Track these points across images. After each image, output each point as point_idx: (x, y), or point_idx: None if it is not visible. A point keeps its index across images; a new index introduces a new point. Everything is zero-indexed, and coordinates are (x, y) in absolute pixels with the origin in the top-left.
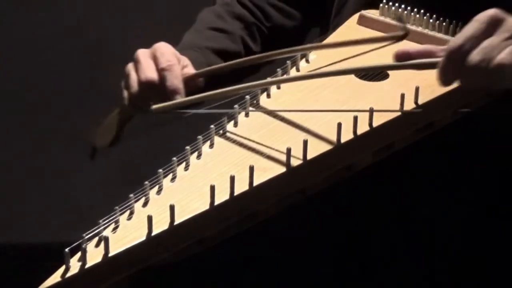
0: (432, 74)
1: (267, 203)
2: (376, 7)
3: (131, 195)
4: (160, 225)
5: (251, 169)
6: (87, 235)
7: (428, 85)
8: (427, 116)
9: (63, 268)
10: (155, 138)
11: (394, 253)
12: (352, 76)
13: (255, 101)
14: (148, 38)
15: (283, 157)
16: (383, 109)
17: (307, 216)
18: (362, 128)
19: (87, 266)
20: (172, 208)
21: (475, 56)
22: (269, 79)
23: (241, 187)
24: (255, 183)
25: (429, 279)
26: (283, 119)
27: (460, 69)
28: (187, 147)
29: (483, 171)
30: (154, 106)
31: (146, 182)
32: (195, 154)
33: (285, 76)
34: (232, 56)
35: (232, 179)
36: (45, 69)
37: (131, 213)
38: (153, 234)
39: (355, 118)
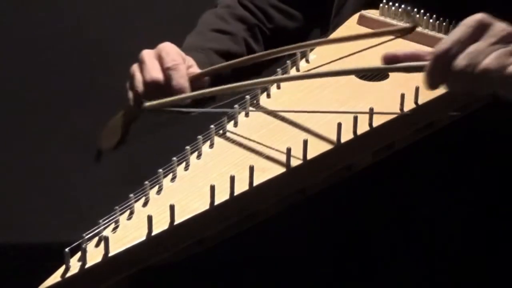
0: None
1: (267, 203)
2: (376, 7)
3: (131, 195)
4: (160, 225)
5: (251, 169)
6: (87, 235)
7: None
8: (427, 116)
9: (63, 268)
10: (155, 138)
11: (394, 253)
12: (352, 76)
13: (255, 101)
14: (148, 38)
15: (283, 157)
16: (381, 111)
17: (307, 216)
18: (362, 128)
19: (87, 266)
20: (172, 208)
21: (461, 60)
22: (267, 78)
23: (241, 187)
24: (255, 183)
25: (429, 279)
26: (283, 119)
27: (446, 73)
28: (187, 147)
29: (483, 171)
30: (147, 104)
31: (146, 182)
32: (195, 154)
33: (274, 77)
34: (235, 57)
35: (232, 179)
36: (45, 69)
37: (131, 213)
38: (153, 234)
39: (355, 118)
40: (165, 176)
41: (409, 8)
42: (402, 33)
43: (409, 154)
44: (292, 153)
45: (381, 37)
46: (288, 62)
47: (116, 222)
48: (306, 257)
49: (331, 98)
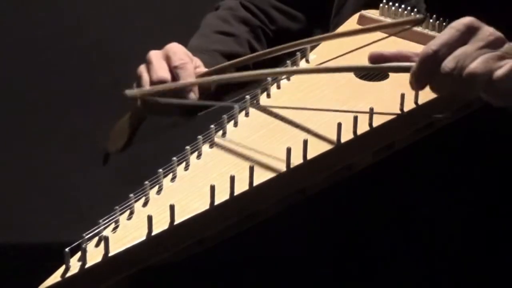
0: None
1: (267, 203)
2: (376, 7)
3: (131, 195)
4: (160, 225)
5: (251, 169)
6: (87, 235)
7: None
8: (427, 116)
9: (63, 268)
10: (153, 136)
11: (394, 253)
12: (352, 76)
13: (255, 101)
14: (148, 38)
15: (283, 157)
16: (381, 111)
17: (307, 216)
18: (362, 128)
19: (87, 266)
20: (172, 208)
21: (448, 63)
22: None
23: (241, 187)
24: (255, 183)
25: (429, 279)
26: (283, 119)
27: (433, 75)
28: (187, 147)
29: (483, 171)
30: (127, 91)
31: (146, 182)
32: (195, 154)
33: (270, 70)
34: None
35: (232, 179)
36: (45, 69)
37: (131, 213)
38: (153, 234)
39: (355, 118)
40: (165, 176)
41: (409, 8)
42: (412, 25)
43: (409, 154)
44: (292, 153)
45: (390, 28)
46: (288, 62)
47: (116, 222)
48: (306, 257)
49: (331, 98)
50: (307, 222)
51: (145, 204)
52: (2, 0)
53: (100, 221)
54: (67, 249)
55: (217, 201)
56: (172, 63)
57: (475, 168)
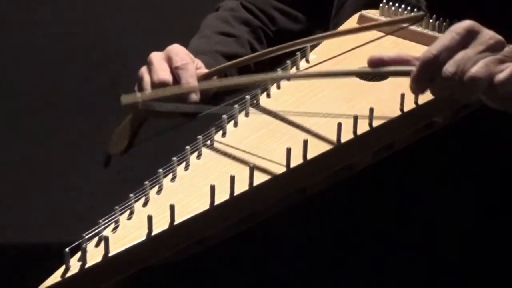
0: None
1: (267, 203)
2: (376, 7)
3: (131, 195)
4: (160, 225)
5: (251, 169)
6: (87, 235)
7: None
8: (427, 116)
9: (63, 268)
10: (155, 137)
11: (394, 253)
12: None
13: (255, 101)
14: (148, 38)
15: (283, 157)
16: (381, 112)
17: (307, 216)
18: (362, 128)
19: (87, 266)
20: (172, 208)
21: (449, 67)
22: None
23: (241, 187)
24: (255, 183)
25: (429, 279)
26: (283, 119)
27: (433, 80)
28: (187, 147)
29: (483, 171)
30: (123, 96)
31: (146, 182)
32: (195, 154)
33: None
34: None
35: (232, 179)
36: (45, 69)
37: (131, 213)
38: (153, 234)
39: (355, 118)
40: (165, 176)
41: (409, 8)
42: (413, 22)
43: (409, 154)
44: (292, 153)
45: (390, 26)
46: (288, 62)
47: (116, 222)
48: (306, 257)
49: (331, 97)
50: (307, 222)
51: (145, 204)
52: (2, 0)
53: (100, 221)
54: (67, 249)
55: (217, 201)
56: (174, 64)
57: (475, 168)
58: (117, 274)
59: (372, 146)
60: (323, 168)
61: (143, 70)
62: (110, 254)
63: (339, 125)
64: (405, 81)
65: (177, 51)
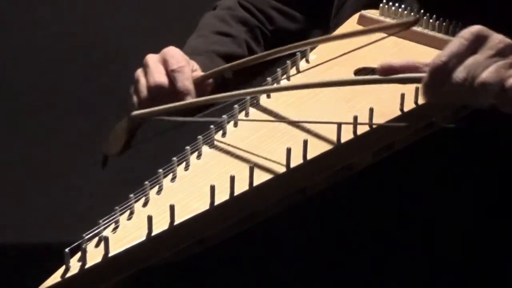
0: None
1: (267, 203)
2: (376, 7)
3: (131, 195)
4: (160, 225)
5: (251, 169)
6: (87, 235)
7: None
8: (427, 116)
9: (63, 268)
10: (155, 138)
11: (394, 253)
12: (352, 76)
13: (255, 101)
14: (148, 38)
15: (283, 157)
16: (382, 111)
17: (307, 216)
18: (362, 128)
19: (87, 266)
20: (172, 208)
21: (459, 74)
22: (264, 87)
23: (241, 187)
24: (255, 183)
25: (429, 279)
26: (283, 119)
27: (444, 86)
28: (187, 147)
29: (483, 171)
30: (134, 113)
31: (146, 182)
32: (195, 154)
33: (275, 85)
34: (237, 60)
35: (232, 179)
36: (45, 69)
37: (131, 213)
38: (153, 234)
39: (355, 118)
40: (165, 176)
41: (409, 8)
42: (405, 27)
43: (409, 154)
44: (292, 153)
45: (384, 31)
46: (288, 62)
47: (116, 222)
48: (306, 257)
49: (332, 97)
50: (307, 222)
51: (145, 204)
52: (2, 0)
53: (100, 221)
54: (67, 249)
55: (217, 201)
56: (170, 67)
57: (475, 168)
58: (117, 274)
59: (372, 146)
60: (323, 168)
61: (139, 73)
62: (110, 255)
63: (339, 125)
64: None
65: (173, 53)
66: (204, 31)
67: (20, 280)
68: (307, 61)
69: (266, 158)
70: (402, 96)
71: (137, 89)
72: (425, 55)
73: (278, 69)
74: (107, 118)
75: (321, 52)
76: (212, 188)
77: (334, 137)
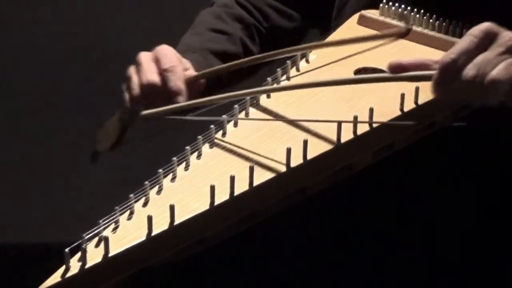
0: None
1: (267, 203)
2: (377, 7)
3: (131, 195)
4: (160, 225)
5: (251, 169)
6: (87, 235)
7: (428, 85)
8: (427, 116)
9: (63, 268)
10: (155, 138)
11: (394, 253)
12: (352, 75)
13: (255, 101)
14: (148, 38)
15: (283, 157)
16: (382, 111)
17: (307, 216)
18: (362, 128)
19: (87, 266)
20: (172, 208)
21: (469, 71)
22: (265, 87)
23: (241, 187)
24: (255, 183)
25: (429, 279)
26: (283, 119)
27: (454, 83)
28: (187, 147)
29: (483, 171)
30: (144, 112)
31: (146, 182)
32: (195, 154)
33: (282, 84)
34: (232, 57)
35: (232, 179)
36: (45, 69)
37: (131, 213)
38: (153, 234)
39: (355, 118)
40: (165, 176)
41: (409, 8)
42: (397, 36)
43: (409, 154)
44: (292, 153)
45: (376, 40)
46: (288, 62)
47: (116, 222)
48: (306, 257)
49: (332, 97)
50: (307, 222)
51: (145, 204)
52: (2, 0)
53: (100, 221)
54: (67, 249)
55: (217, 201)
56: (162, 66)
57: (475, 168)
58: (117, 274)
59: (372, 146)
60: (323, 168)
61: (132, 70)
62: (110, 254)
63: (339, 125)
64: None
65: (166, 52)
66: (200, 28)
67: (20, 280)
68: (307, 61)
69: (266, 158)
70: (402, 96)
71: (129, 86)
72: (425, 55)
73: (278, 69)
74: (107, 118)
75: (321, 52)
76: (212, 188)
77: (334, 137)
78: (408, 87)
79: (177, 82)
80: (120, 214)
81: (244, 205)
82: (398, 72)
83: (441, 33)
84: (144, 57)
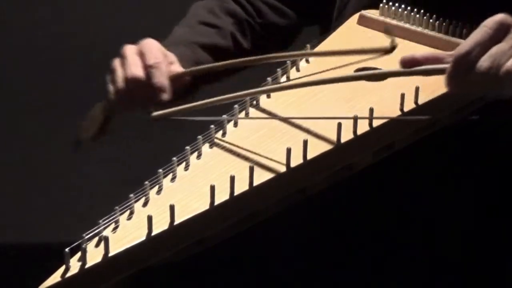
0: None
1: (267, 203)
2: (377, 7)
3: (131, 195)
4: (160, 225)
5: (251, 169)
6: (87, 235)
7: (428, 85)
8: (427, 116)
9: (63, 268)
10: (155, 138)
11: (394, 253)
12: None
13: (254, 102)
14: (148, 38)
15: (283, 157)
16: (382, 111)
17: (307, 216)
18: (362, 128)
19: (87, 266)
20: (172, 208)
21: (484, 63)
22: (276, 85)
23: (241, 187)
24: (255, 183)
25: (429, 279)
26: (283, 119)
27: (468, 76)
28: (187, 147)
29: (483, 171)
30: (154, 114)
31: (146, 182)
32: (195, 154)
33: (291, 82)
34: (221, 51)
35: (232, 179)
36: (45, 69)
37: (131, 213)
38: (153, 234)
39: (355, 118)
40: (165, 176)
41: (409, 8)
42: (381, 53)
43: (409, 154)
44: (292, 153)
45: (362, 54)
46: (288, 62)
47: (116, 222)
48: (306, 257)
49: (332, 97)
50: (307, 222)
51: (145, 204)
52: (2, 0)
53: (100, 221)
54: (67, 249)
55: (217, 201)
56: (147, 61)
57: (475, 168)
58: (117, 274)
59: (372, 146)
60: (323, 168)
61: (117, 63)
62: (110, 254)
63: (339, 125)
64: (405, 81)
65: (150, 47)
66: (191, 20)
67: (20, 280)
68: (307, 61)
69: (266, 158)
70: (402, 96)
71: (114, 79)
72: None
73: (278, 69)
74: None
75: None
76: (212, 188)
77: (334, 137)
78: (408, 87)
79: (161, 78)
80: (120, 214)
81: (244, 205)
82: (412, 66)
83: (441, 33)
84: (129, 50)
